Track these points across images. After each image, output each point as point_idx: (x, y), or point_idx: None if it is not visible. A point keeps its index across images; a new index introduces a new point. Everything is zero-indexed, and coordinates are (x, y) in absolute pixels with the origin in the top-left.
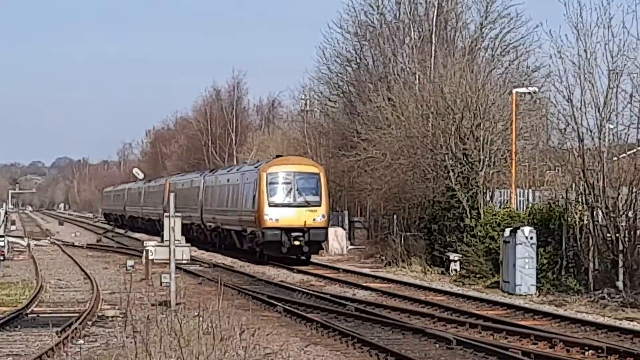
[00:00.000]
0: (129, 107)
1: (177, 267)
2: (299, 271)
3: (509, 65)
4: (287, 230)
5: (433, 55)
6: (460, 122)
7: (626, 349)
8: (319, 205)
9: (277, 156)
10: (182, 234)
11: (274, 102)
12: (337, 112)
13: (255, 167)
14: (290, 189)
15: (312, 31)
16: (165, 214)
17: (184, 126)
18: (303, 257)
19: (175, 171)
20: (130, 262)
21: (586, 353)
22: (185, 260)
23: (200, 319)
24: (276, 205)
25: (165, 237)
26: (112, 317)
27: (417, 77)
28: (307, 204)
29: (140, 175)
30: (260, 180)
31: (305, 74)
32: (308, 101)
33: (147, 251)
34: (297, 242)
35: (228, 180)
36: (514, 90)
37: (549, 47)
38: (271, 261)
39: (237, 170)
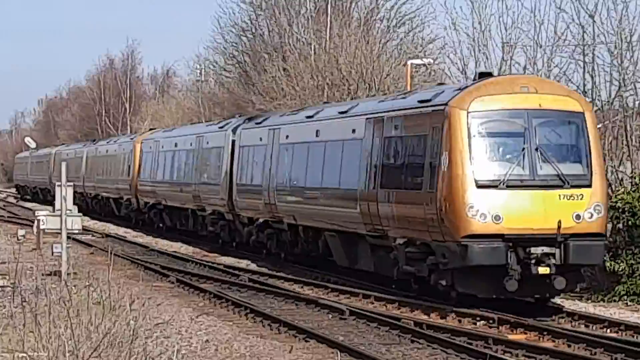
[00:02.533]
0: (20, 74)
1: (69, 237)
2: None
3: (404, 36)
4: (519, 242)
5: (328, 26)
6: (355, 93)
7: (517, 320)
8: (588, 185)
9: (483, 75)
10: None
11: (168, 71)
12: (232, 82)
13: (428, 102)
14: (523, 149)
15: (207, 0)
16: (57, 184)
17: (77, 95)
18: (537, 296)
19: (68, 140)
20: (21, 232)
21: (478, 324)
22: (76, 230)
23: (91, 289)
24: (492, 186)
25: (57, 206)
26: (1, 287)
27: (312, 47)
28: (563, 182)
29: (33, 145)
30: (452, 128)
31: (200, 43)
32: (203, 71)
33: (38, 221)
34: (543, 269)
35: (317, 134)
36: (409, 62)
37: (444, 19)
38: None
39: (347, 112)
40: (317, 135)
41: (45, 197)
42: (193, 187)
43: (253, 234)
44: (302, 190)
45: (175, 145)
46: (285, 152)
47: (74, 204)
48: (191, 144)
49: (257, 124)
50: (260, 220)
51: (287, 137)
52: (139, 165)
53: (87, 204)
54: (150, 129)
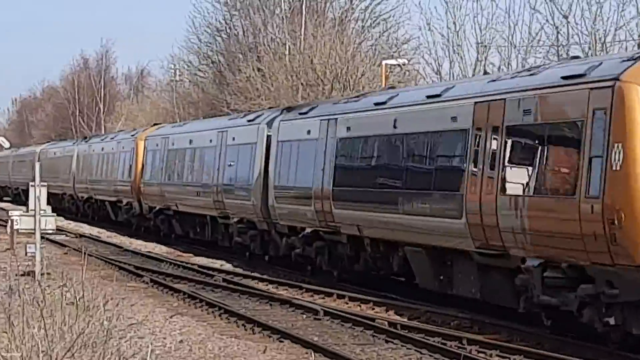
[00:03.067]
0: None
1: (43, 237)
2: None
3: (379, 37)
4: None
5: (303, 26)
6: (330, 93)
7: (490, 321)
8: None
9: None
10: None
11: (143, 71)
12: (206, 82)
13: (581, 77)
14: None
15: (181, 0)
16: (31, 184)
17: (51, 95)
18: None
19: (44, 140)
20: None
21: (452, 323)
22: (50, 230)
23: (65, 289)
24: None
25: (31, 206)
26: None
27: (287, 47)
28: None
29: (7, 144)
30: (628, 112)
31: (175, 43)
32: (177, 71)
33: (12, 221)
34: None
35: (395, 125)
36: (384, 62)
37: (419, 20)
38: None
39: (441, 95)
40: (394, 127)
41: (26, 198)
42: (215, 190)
43: (297, 246)
44: (374, 194)
45: (190, 142)
46: (346, 147)
47: (63, 207)
48: (211, 141)
49: (301, 114)
50: (308, 230)
51: (348, 129)
52: (142, 165)
53: (78, 208)
54: (155, 124)
